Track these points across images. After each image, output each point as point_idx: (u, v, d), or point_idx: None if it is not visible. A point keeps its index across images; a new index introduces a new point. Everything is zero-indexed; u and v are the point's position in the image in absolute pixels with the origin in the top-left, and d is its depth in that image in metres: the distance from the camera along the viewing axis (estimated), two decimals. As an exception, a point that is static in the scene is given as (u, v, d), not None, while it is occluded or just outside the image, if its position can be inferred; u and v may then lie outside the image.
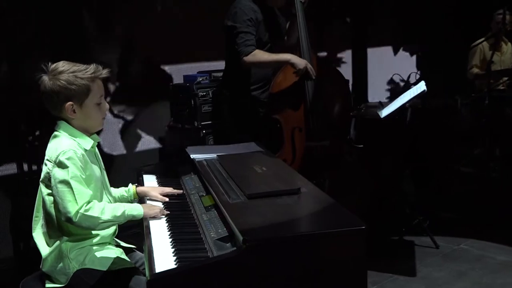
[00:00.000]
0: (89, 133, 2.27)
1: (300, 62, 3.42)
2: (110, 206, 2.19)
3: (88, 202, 2.11)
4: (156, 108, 4.59)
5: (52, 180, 2.13)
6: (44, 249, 2.23)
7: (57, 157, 2.13)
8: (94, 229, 2.19)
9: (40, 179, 2.21)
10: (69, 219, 2.09)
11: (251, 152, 3.01)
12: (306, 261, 1.84)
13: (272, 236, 1.86)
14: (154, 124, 4.59)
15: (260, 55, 3.43)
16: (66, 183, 2.09)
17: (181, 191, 2.59)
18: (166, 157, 4.31)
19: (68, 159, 2.12)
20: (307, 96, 3.50)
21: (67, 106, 2.18)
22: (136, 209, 2.26)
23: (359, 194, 3.79)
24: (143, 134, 4.58)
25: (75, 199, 2.09)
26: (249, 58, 3.41)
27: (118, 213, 2.18)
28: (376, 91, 6.27)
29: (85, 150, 2.21)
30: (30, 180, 3.62)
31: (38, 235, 2.26)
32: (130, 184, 2.61)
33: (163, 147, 4.54)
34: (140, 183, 2.77)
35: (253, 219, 2.02)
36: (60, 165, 2.12)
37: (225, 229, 2.05)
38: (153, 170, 2.98)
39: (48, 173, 2.16)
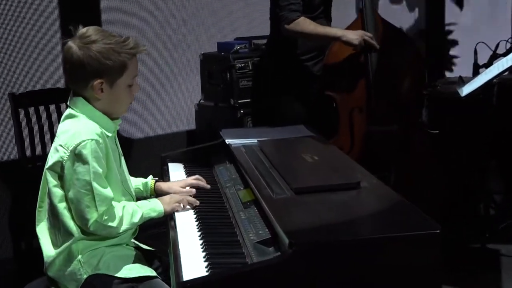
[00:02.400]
0: (111, 117, 2.29)
1: (355, 38, 3.38)
2: (129, 211, 2.25)
3: (108, 209, 2.17)
4: (184, 82, 4.63)
5: (68, 174, 2.16)
6: (49, 249, 2.27)
7: (76, 147, 2.15)
8: (110, 236, 2.26)
9: (47, 166, 2.24)
10: (85, 226, 2.18)
11: (299, 137, 3.02)
12: (365, 271, 1.84)
13: (324, 239, 1.87)
14: (181, 102, 4.63)
15: (305, 25, 3.41)
16: (87, 183, 2.14)
17: (208, 186, 2.59)
18: (196, 142, 4.35)
19: (90, 152, 2.15)
20: (370, 70, 3.48)
21: (95, 84, 2.19)
22: (154, 209, 2.32)
23: (432, 191, 3.76)
24: (168, 114, 4.62)
25: (95, 205, 2.15)
26: (292, 26, 3.40)
27: (136, 219, 2.26)
28: (455, 63, 6.18)
29: (107, 137, 2.24)
30: (34, 167, 3.70)
31: (43, 231, 2.29)
32: (150, 177, 2.64)
33: (192, 129, 4.58)
34: (165, 173, 2.81)
35: (302, 218, 2.03)
36: (80, 158, 2.15)
37: (267, 230, 2.06)
38: (180, 157, 3.02)
39: (60, 161, 2.18)
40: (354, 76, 3.53)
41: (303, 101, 3.60)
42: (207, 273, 1.91)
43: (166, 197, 2.43)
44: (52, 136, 3.74)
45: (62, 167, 2.17)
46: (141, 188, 2.59)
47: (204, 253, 2.04)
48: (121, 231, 2.23)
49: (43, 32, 3.99)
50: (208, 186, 2.59)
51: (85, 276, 2.22)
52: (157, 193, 2.59)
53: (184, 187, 2.55)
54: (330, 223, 2.00)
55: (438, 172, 3.95)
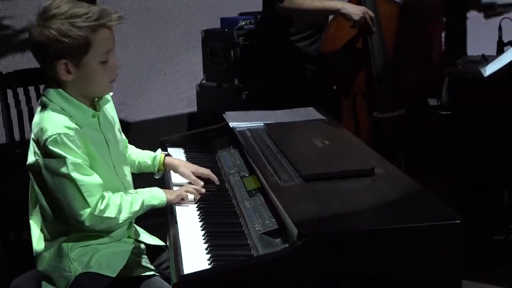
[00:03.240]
0: (90, 101, 2.24)
1: (355, 11, 3.33)
2: (127, 199, 2.21)
3: (103, 198, 2.14)
4: (184, 61, 4.63)
5: (44, 171, 2.12)
6: (39, 242, 2.27)
7: (44, 143, 2.10)
8: (108, 233, 2.24)
9: (27, 163, 2.20)
10: (80, 224, 2.12)
11: (309, 120, 3.01)
12: (379, 264, 1.85)
13: (335, 230, 1.88)
14: (181, 83, 4.63)
15: (300, 0, 3.38)
16: (65, 177, 2.09)
17: (218, 182, 2.57)
18: (197, 125, 4.35)
19: (59, 146, 2.08)
20: (370, 51, 3.44)
21: (59, 65, 2.12)
22: (156, 197, 2.29)
23: (450, 179, 3.76)
24: (167, 96, 4.62)
25: (83, 197, 2.10)
26: (286, 3, 3.35)
27: (137, 207, 2.22)
28: (478, 40, 6.15)
29: (81, 127, 2.17)
30: (24, 152, 3.70)
31: (36, 221, 2.28)
32: (159, 150, 2.65)
33: (194, 112, 4.58)
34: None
35: (311, 207, 2.04)
36: (51, 155, 2.09)
37: (273, 220, 2.07)
38: (180, 142, 3.03)
39: (36, 161, 2.13)
40: (354, 58, 3.50)
41: (298, 84, 3.58)
42: (209, 266, 1.92)
43: (169, 190, 2.43)
44: (20, 124, 3.74)
45: (40, 167, 2.13)
46: (149, 162, 2.59)
47: (206, 245, 2.05)
48: (121, 221, 2.18)
49: (32, 7, 3.98)
50: (218, 182, 2.57)
51: (75, 274, 2.21)
52: (166, 169, 2.59)
53: (195, 174, 2.54)
54: (342, 212, 2.00)
55: (458, 159, 3.94)
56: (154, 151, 2.70)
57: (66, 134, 2.10)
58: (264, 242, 1.98)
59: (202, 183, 2.51)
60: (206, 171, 2.57)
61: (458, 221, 1.87)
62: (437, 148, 3.70)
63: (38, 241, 2.27)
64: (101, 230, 2.18)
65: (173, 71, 4.61)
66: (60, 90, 2.18)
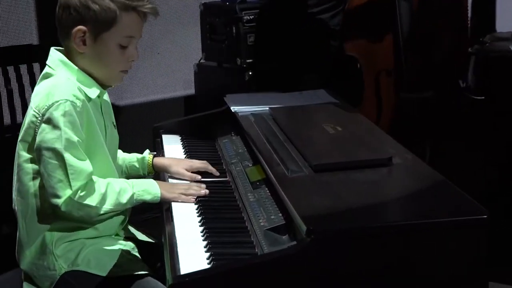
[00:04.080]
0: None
1: None
2: (114, 189, 2.21)
3: (86, 184, 2.14)
4: (181, 38, 4.62)
5: (37, 142, 2.15)
6: (22, 236, 2.27)
7: (48, 109, 2.13)
8: (87, 222, 2.24)
9: (19, 138, 2.24)
10: (56, 205, 2.14)
11: (319, 103, 3.02)
12: (397, 263, 1.86)
13: (348, 226, 1.88)
14: (178, 62, 4.63)
15: None
16: (56, 153, 2.12)
17: (218, 173, 2.58)
18: (195, 109, 4.36)
19: (63, 115, 2.12)
20: (399, 23, 3.46)
21: (75, 30, 2.19)
22: (149, 191, 2.28)
23: (477, 169, 3.76)
24: (161, 76, 4.63)
25: (68, 179, 2.12)
26: None
27: (124, 199, 2.22)
28: (508, 16, 6.13)
29: (89, 100, 2.23)
30: (2, 139, 3.72)
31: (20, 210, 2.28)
32: (146, 152, 2.65)
33: (191, 95, 4.58)
34: (158, 146, 2.82)
35: (322, 201, 2.04)
36: (50, 122, 2.13)
37: (280, 214, 2.08)
38: (177, 128, 3.04)
39: (32, 128, 2.18)
40: (380, 31, 3.50)
41: (320, 61, 3.59)
42: (208, 266, 1.92)
43: (166, 183, 2.42)
44: (24, 102, 3.75)
45: (34, 135, 2.17)
46: (137, 165, 2.60)
47: (205, 242, 2.06)
48: (102, 212, 2.18)
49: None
50: (218, 173, 2.58)
51: (60, 272, 2.22)
52: (156, 170, 2.60)
53: (189, 171, 2.54)
54: (356, 206, 2.01)
55: (486, 147, 3.94)
56: (147, 138, 2.70)
57: (73, 103, 2.14)
58: (269, 239, 1.99)
59: (199, 177, 2.52)
60: (202, 165, 2.57)
61: (485, 216, 1.87)
62: (466, 135, 3.69)
63: (20, 235, 2.28)
64: (79, 218, 2.18)
65: (168, 49, 4.60)
66: (68, 61, 2.24)
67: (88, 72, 2.25)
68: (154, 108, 4.55)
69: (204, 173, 2.56)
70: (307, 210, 1.94)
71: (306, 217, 1.87)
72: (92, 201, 2.15)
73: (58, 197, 2.12)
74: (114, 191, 2.21)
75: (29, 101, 2.28)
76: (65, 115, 2.12)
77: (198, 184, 2.43)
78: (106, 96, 2.39)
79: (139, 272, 2.27)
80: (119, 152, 2.60)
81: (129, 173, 2.62)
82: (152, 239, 2.51)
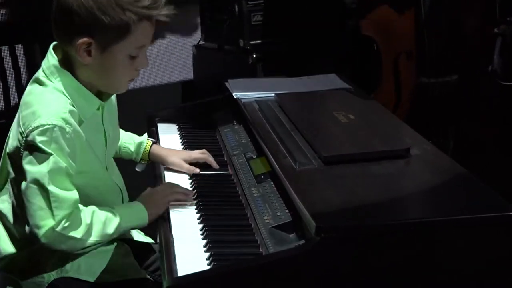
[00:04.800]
0: (97, 90, 2.24)
1: None
2: (100, 218, 2.16)
3: (70, 214, 2.09)
4: (177, 17, 4.61)
5: (23, 164, 2.09)
6: (5, 240, 2.27)
7: (32, 131, 2.06)
8: (72, 252, 2.20)
9: (7, 150, 2.20)
10: (35, 236, 2.08)
11: (330, 89, 3.02)
12: (416, 265, 1.87)
13: (362, 223, 1.89)
14: (174, 44, 4.62)
15: None
16: (39, 184, 2.06)
17: (217, 166, 2.59)
18: (194, 96, 4.36)
19: (49, 142, 2.05)
20: (421, 2, 3.45)
21: (80, 42, 2.10)
22: (136, 216, 2.24)
23: (505, 162, 3.75)
24: (156, 60, 4.62)
25: (51, 209, 2.07)
26: None
27: (111, 230, 2.18)
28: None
29: (82, 122, 2.16)
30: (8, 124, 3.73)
31: (4, 207, 2.27)
32: (145, 136, 2.66)
33: (189, 80, 4.58)
34: (153, 136, 2.82)
35: (333, 196, 2.05)
36: (34, 150, 2.07)
37: (286, 211, 2.09)
38: (173, 116, 3.05)
39: (18, 148, 2.11)
40: (400, 9, 3.50)
41: (334, 42, 3.59)
42: (208, 267, 1.93)
43: (153, 194, 2.34)
44: (19, 86, 3.75)
45: (20, 157, 2.11)
46: (132, 149, 2.61)
47: (204, 241, 2.06)
48: (87, 245, 2.14)
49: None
50: (217, 166, 2.59)
51: (49, 280, 2.22)
52: (152, 160, 2.61)
53: (188, 162, 2.55)
54: (370, 202, 2.01)
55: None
56: (141, 128, 2.70)
57: (61, 129, 2.07)
58: (275, 238, 2.00)
59: (197, 170, 2.53)
60: (201, 155, 2.59)
61: (512, 213, 1.88)
62: (492, 123, 3.69)
63: (4, 239, 2.27)
64: (59, 249, 2.14)
65: (163, 29, 4.60)
66: (65, 72, 2.17)
67: (90, 83, 2.19)
68: (148, 95, 4.54)
69: (203, 165, 2.57)
70: (316, 206, 1.94)
71: (315, 213, 1.87)
72: (77, 233, 2.10)
73: (38, 227, 2.07)
74: (100, 220, 2.16)
75: (25, 86, 2.24)
76: (52, 142, 2.06)
77: (182, 190, 2.38)
78: (112, 96, 2.37)
79: (132, 277, 2.27)
80: None
81: (120, 154, 2.62)
82: (147, 239, 2.50)
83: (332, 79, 3.12)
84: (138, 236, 2.48)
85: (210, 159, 2.58)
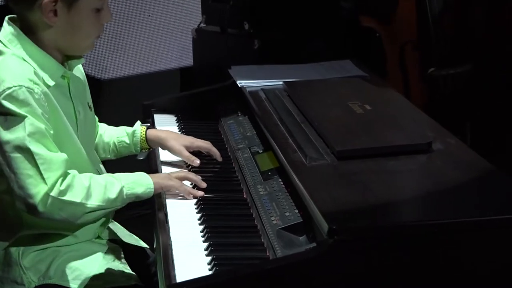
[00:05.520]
0: (62, 56, 2.29)
1: None
2: (99, 182, 2.20)
3: (65, 176, 2.12)
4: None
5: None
6: None
7: None
8: (74, 223, 2.22)
9: None
10: (32, 208, 2.10)
11: (344, 77, 3.03)
12: (437, 270, 1.87)
13: (378, 224, 1.89)
14: (172, 27, 4.62)
15: None
16: (19, 144, 2.08)
17: (221, 158, 2.60)
18: (194, 84, 4.36)
19: (18, 102, 2.09)
20: None
21: (46, 2, 2.16)
22: (140, 182, 2.27)
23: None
24: (153, 44, 4.63)
25: (40, 173, 2.09)
26: None
27: (113, 193, 2.20)
28: None
29: (48, 87, 2.20)
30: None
31: None
32: (137, 124, 2.67)
33: (189, 66, 4.58)
34: (149, 128, 2.83)
35: (347, 194, 2.05)
36: (6, 113, 2.09)
37: (296, 211, 2.09)
38: (172, 106, 3.06)
39: None
40: None
41: (332, 30, 3.59)
42: (210, 272, 1.94)
43: (161, 174, 2.41)
44: None
45: None
46: (127, 141, 2.62)
47: (206, 244, 2.07)
48: (89, 209, 2.16)
49: None
50: (221, 158, 2.61)
51: (30, 287, 2.24)
52: (150, 146, 2.62)
53: (190, 150, 2.57)
54: (388, 201, 2.02)
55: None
56: (135, 120, 2.71)
57: (29, 89, 2.11)
58: (283, 240, 2.00)
59: (197, 161, 2.54)
60: (205, 144, 2.60)
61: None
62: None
63: None
64: (62, 219, 2.15)
65: (160, 11, 4.60)
66: (25, 37, 2.21)
67: (56, 47, 2.25)
68: (144, 83, 4.55)
69: (205, 157, 2.59)
70: (329, 205, 1.94)
71: (327, 213, 1.88)
72: (75, 196, 2.13)
73: (32, 197, 2.08)
74: (100, 184, 2.19)
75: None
76: (22, 105, 2.09)
77: (194, 178, 2.42)
78: (78, 71, 2.39)
79: (123, 284, 2.29)
80: (103, 126, 2.63)
81: (119, 151, 2.64)
82: (141, 243, 2.51)
83: (346, 66, 3.12)
84: (130, 238, 2.49)
85: (214, 150, 2.60)
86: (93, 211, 2.18)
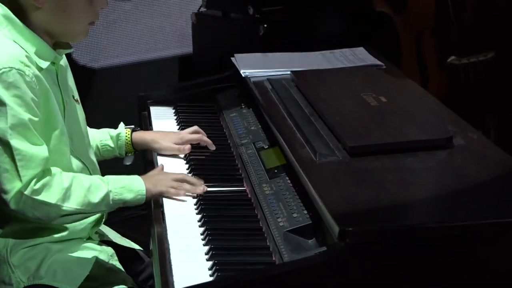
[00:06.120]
0: (53, 41, 2.30)
1: None
2: (83, 184, 2.20)
3: (42, 175, 2.13)
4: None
5: None
6: None
7: None
8: (49, 222, 2.23)
9: None
10: (5, 203, 2.13)
11: (357, 66, 3.03)
12: (458, 275, 1.87)
13: (394, 227, 1.89)
14: (170, 11, 4.63)
15: None
16: (1, 140, 2.10)
17: (214, 146, 2.63)
18: (194, 73, 4.37)
19: (7, 87, 2.11)
20: None
21: None
22: (130, 187, 2.27)
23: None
24: (149, 31, 4.64)
25: (17, 169, 2.11)
26: None
27: (96, 198, 2.21)
28: None
29: (40, 69, 2.22)
30: None
31: None
32: (121, 126, 2.67)
33: (188, 54, 4.59)
34: (145, 121, 2.84)
35: (360, 194, 2.05)
36: None
37: (304, 212, 2.10)
38: (169, 98, 3.07)
39: None
40: None
41: (346, 17, 3.60)
42: (211, 278, 1.94)
43: (159, 174, 2.41)
44: None
45: None
46: (111, 145, 2.63)
47: (207, 248, 2.08)
48: (64, 212, 2.16)
49: None
50: (213, 147, 2.62)
51: (19, 287, 2.25)
52: (137, 149, 2.63)
53: (178, 143, 2.58)
54: (404, 201, 2.02)
55: None
56: (130, 112, 2.71)
57: (20, 71, 2.13)
58: (290, 244, 2.01)
59: (188, 146, 2.58)
60: (193, 136, 2.62)
61: None
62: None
63: None
64: (36, 218, 2.17)
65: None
66: (15, 18, 2.22)
67: (46, 31, 2.26)
68: (140, 72, 4.55)
69: (203, 153, 2.61)
70: (340, 206, 1.94)
71: (338, 215, 1.88)
72: (49, 197, 2.14)
73: (5, 192, 2.11)
74: (82, 186, 2.20)
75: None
76: (10, 88, 2.11)
77: (196, 180, 2.42)
78: (63, 61, 2.40)
79: (120, 286, 2.30)
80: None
81: (102, 155, 2.65)
82: (135, 246, 2.52)
83: (360, 54, 3.12)
84: (123, 240, 2.51)
85: (205, 139, 2.62)
86: (70, 214, 2.19)
